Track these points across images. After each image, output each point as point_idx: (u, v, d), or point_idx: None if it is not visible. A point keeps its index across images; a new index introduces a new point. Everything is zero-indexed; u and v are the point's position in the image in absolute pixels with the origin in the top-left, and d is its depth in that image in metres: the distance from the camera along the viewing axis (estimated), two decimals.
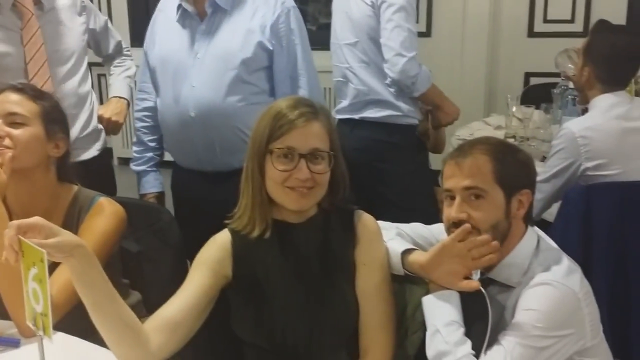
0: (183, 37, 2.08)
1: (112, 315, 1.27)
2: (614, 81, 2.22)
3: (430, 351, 1.40)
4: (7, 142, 1.57)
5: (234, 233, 1.50)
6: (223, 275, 1.47)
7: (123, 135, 4.87)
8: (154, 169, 2.29)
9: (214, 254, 1.48)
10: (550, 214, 2.24)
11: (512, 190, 1.43)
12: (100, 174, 2.30)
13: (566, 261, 1.44)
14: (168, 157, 2.31)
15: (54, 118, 1.66)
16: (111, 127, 2.35)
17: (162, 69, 2.11)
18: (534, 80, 4.27)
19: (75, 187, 1.70)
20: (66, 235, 1.19)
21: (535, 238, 1.49)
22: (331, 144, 1.46)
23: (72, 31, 2.27)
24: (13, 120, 1.59)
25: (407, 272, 1.51)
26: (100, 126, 2.35)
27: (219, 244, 1.50)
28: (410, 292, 1.58)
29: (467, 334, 1.39)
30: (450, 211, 1.43)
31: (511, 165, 1.44)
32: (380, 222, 1.59)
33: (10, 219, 1.62)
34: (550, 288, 1.36)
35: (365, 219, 1.54)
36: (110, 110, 2.34)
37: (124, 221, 1.68)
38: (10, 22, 2.14)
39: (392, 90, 2.48)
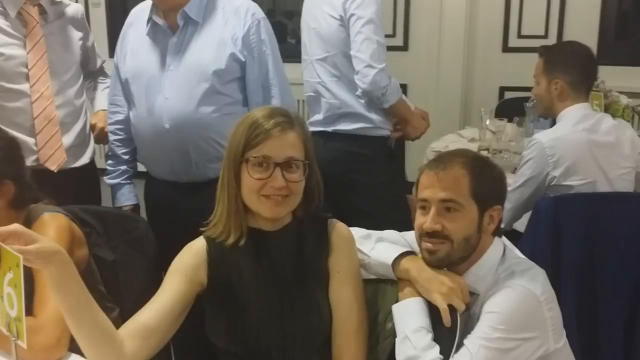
0: (155, 50, 2.09)
1: (87, 321, 1.27)
2: (586, 90, 2.32)
3: (400, 356, 1.43)
4: None
5: (209, 240, 1.52)
6: (198, 282, 1.49)
7: (99, 147, 4.87)
8: (128, 181, 2.29)
9: (189, 260, 1.50)
10: (522, 225, 2.29)
11: (486, 206, 1.47)
12: (90, 181, 2.39)
13: (529, 267, 1.48)
14: (141, 167, 2.32)
15: None
16: (102, 135, 2.39)
17: (134, 82, 2.12)
18: (508, 95, 4.36)
19: (30, 207, 1.65)
20: (45, 242, 1.20)
21: (502, 248, 1.53)
22: (306, 153, 1.49)
23: (72, 44, 2.35)
24: None
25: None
26: (91, 135, 2.41)
27: (194, 250, 1.52)
28: (382, 299, 1.61)
29: (436, 339, 1.43)
30: (424, 220, 1.47)
31: (487, 182, 1.49)
32: (357, 229, 1.62)
33: None
34: (511, 291, 1.40)
35: (339, 228, 1.57)
36: (102, 121, 2.38)
37: (67, 230, 1.63)
38: (15, 28, 2.19)
39: (362, 102, 2.52)
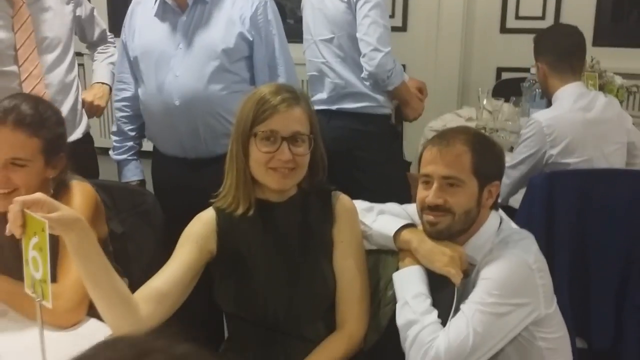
0: (164, 29, 2.14)
1: (105, 286, 1.34)
2: (569, 71, 2.39)
3: (400, 321, 1.51)
4: (7, 185, 1.55)
5: (218, 211, 1.59)
6: (208, 251, 1.56)
7: (101, 125, 4.91)
8: (135, 157, 2.35)
9: (200, 230, 1.57)
10: (516, 201, 2.37)
11: (485, 181, 1.54)
12: (84, 157, 2.34)
13: (523, 237, 1.56)
14: (146, 147, 2.36)
15: (55, 146, 1.63)
16: (93, 110, 2.42)
17: (143, 60, 2.17)
18: (505, 75, 4.41)
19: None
20: (66, 211, 1.27)
21: (498, 220, 1.61)
22: (311, 127, 1.55)
23: (61, 19, 2.31)
24: (14, 162, 1.56)
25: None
26: (83, 111, 2.41)
27: (204, 221, 1.59)
28: (383, 268, 1.69)
29: (434, 305, 1.51)
30: (427, 195, 1.53)
31: (487, 158, 1.56)
32: (359, 202, 1.69)
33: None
34: (506, 259, 1.48)
35: (342, 199, 1.64)
36: (92, 95, 2.41)
37: (94, 198, 1.70)
38: (2, 9, 2.17)
39: (367, 83, 2.58)
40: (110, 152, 2.36)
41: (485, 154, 1.56)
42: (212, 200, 1.60)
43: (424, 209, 1.56)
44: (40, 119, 1.61)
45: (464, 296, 1.51)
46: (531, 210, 2.21)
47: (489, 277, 1.48)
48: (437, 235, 1.54)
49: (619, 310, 2.22)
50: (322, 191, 1.64)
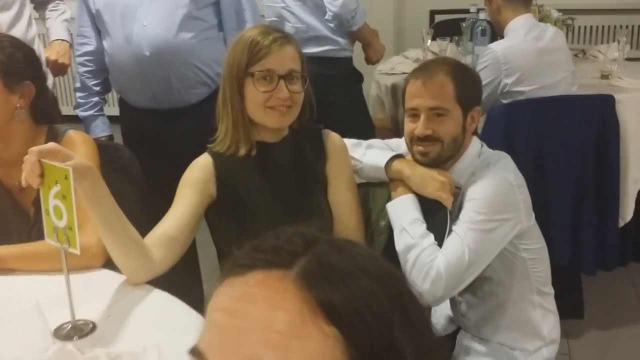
0: None
1: (119, 231, 1.36)
2: (522, 3, 2.52)
3: (399, 246, 1.59)
4: None
5: (214, 155, 1.60)
6: (208, 194, 1.58)
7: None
8: (101, 113, 2.31)
9: (198, 175, 1.59)
10: None
11: (468, 107, 1.63)
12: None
13: (502, 157, 1.67)
14: (111, 112, 2.31)
15: (13, 69, 1.60)
16: (58, 68, 2.35)
17: (107, 12, 2.12)
18: (438, 18, 4.52)
19: (46, 127, 1.70)
20: (79, 159, 1.26)
21: (479, 145, 1.71)
22: (302, 65, 1.58)
23: None
24: None
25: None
26: (48, 70, 2.34)
27: (201, 166, 1.60)
28: (373, 201, 1.76)
29: (429, 229, 1.60)
30: (415, 127, 1.61)
31: (468, 86, 1.64)
32: (347, 139, 1.75)
33: None
34: (488, 179, 1.58)
35: (332, 137, 1.69)
36: (55, 53, 2.34)
37: (95, 148, 1.71)
38: None
39: (331, 25, 2.60)
40: (76, 110, 2.30)
41: (466, 81, 1.64)
42: (208, 146, 1.62)
43: (413, 140, 1.63)
44: None
45: (452, 219, 1.61)
46: (491, 141, 2.32)
47: (475, 197, 1.58)
48: (429, 163, 1.62)
49: (575, 229, 2.41)
50: (312, 130, 1.68)
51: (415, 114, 1.62)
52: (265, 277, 0.53)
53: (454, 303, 1.81)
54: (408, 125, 1.64)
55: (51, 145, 1.24)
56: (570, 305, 2.44)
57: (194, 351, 0.53)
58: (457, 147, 1.63)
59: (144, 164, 2.01)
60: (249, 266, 0.54)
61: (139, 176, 2.01)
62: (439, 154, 1.61)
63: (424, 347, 0.55)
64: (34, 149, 1.21)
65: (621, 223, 2.52)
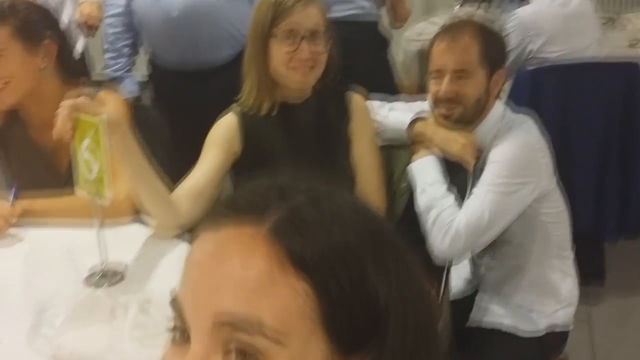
0: None
1: (149, 184, 1.41)
2: None
3: (420, 207, 1.62)
4: None
5: (239, 114, 1.64)
6: (233, 152, 1.62)
7: None
8: (129, 74, 2.35)
9: (223, 134, 1.63)
10: None
11: (492, 70, 1.63)
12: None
13: (525, 120, 1.67)
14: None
15: (30, 31, 1.60)
16: (88, 29, 2.39)
17: None
18: None
19: (80, 85, 1.71)
20: (109, 114, 1.30)
21: (502, 108, 1.71)
22: (326, 26, 1.60)
23: None
24: None
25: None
26: (79, 29, 2.39)
27: (226, 125, 1.64)
28: (395, 162, 1.79)
29: (450, 189, 1.62)
30: (439, 89, 1.61)
31: (493, 47, 1.64)
32: (369, 101, 1.77)
33: (28, 133, 1.71)
34: (510, 141, 1.59)
35: (356, 98, 1.71)
36: (85, 14, 2.37)
37: (125, 107, 1.73)
38: None
39: None
40: (105, 70, 2.35)
41: (490, 43, 1.64)
42: (233, 105, 1.65)
43: (437, 102, 1.64)
44: (2, 8, 1.60)
45: (473, 181, 1.63)
46: (516, 105, 2.33)
47: (497, 160, 1.59)
48: (451, 126, 1.64)
49: (599, 194, 2.40)
50: (336, 91, 1.70)
51: (439, 76, 1.63)
52: (238, 234, 0.52)
53: (473, 265, 1.84)
54: (432, 87, 1.65)
55: (83, 99, 1.28)
56: (591, 272, 2.44)
57: (174, 302, 0.54)
58: (480, 109, 1.64)
59: (172, 125, 2.05)
60: (222, 222, 0.54)
61: (166, 136, 2.05)
62: (462, 116, 1.62)
63: (406, 300, 0.54)
64: (66, 102, 1.26)
65: None
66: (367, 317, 0.52)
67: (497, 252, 1.72)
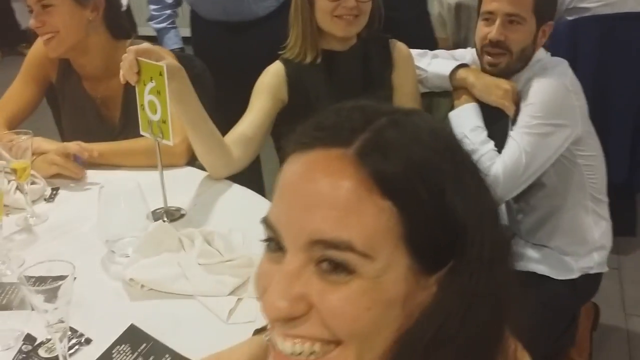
0: None
1: (204, 130, 1.48)
2: None
3: None
4: (44, 28, 1.63)
5: (286, 62, 1.69)
6: (280, 99, 1.68)
7: None
8: (174, 25, 2.40)
9: (271, 81, 1.68)
10: None
11: (542, 20, 1.64)
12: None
13: (559, 62, 1.69)
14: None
15: None
16: None
17: None
18: None
19: (128, 41, 1.78)
20: (170, 60, 1.36)
21: (543, 54, 1.73)
22: None
23: None
24: (42, 3, 1.63)
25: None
26: None
27: (274, 72, 1.69)
28: (436, 109, 1.83)
29: (490, 136, 1.67)
30: (489, 31, 1.63)
31: None
32: (412, 50, 1.81)
33: (82, 85, 1.78)
34: (545, 83, 1.61)
35: (399, 46, 1.75)
36: None
37: (174, 57, 1.80)
38: None
39: None
40: (149, 22, 2.40)
41: None
42: (280, 52, 1.70)
43: (484, 45, 1.65)
44: None
45: (514, 126, 1.67)
46: (555, 56, 2.34)
47: (531, 102, 1.61)
48: (497, 74, 1.66)
49: (634, 147, 2.43)
50: (380, 39, 1.75)
51: (490, 18, 1.63)
52: (326, 156, 0.56)
53: (509, 210, 1.89)
54: (481, 30, 1.66)
55: (146, 45, 1.35)
56: (622, 223, 2.48)
57: (266, 221, 0.58)
58: (525, 59, 1.65)
59: (215, 76, 2.10)
60: (311, 145, 0.58)
61: (211, 86, 2.11)
62: (508, 65, 1.64)
63: (482, 214, 0.57)
64: (132, 48, 1.32)
65: None
66: (446, 231, 0.56)
67: (533, 196, 1.76)
